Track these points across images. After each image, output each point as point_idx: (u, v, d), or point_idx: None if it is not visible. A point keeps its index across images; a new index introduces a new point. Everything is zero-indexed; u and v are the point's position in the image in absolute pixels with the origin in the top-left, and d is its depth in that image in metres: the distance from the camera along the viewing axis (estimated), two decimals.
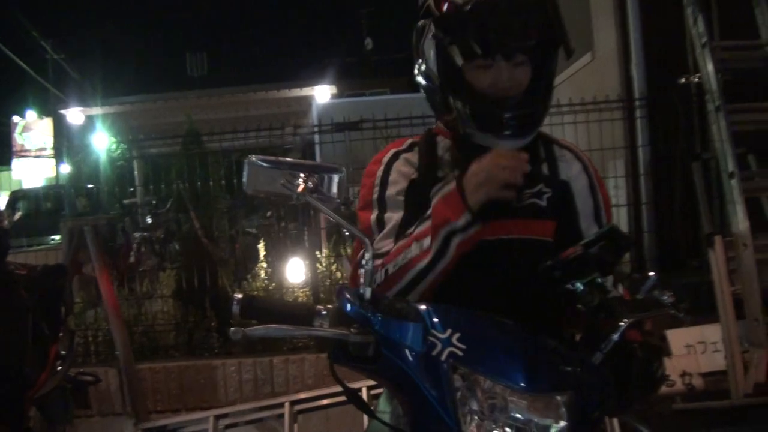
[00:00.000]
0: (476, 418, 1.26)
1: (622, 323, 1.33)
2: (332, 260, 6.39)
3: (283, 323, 1.35)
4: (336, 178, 1.48)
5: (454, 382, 1.27)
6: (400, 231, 1.63)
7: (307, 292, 5.87)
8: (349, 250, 6.43)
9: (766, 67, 4.44)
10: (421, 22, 1.71)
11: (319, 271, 6.01)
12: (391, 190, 1.71)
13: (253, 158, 1.44)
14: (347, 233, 6.32)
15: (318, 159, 6.72)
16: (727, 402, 3.93)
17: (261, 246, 6.99)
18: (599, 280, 1.41)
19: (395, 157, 1.78)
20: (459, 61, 1.64)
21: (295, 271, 6.28)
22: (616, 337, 1.33)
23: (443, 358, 1.27)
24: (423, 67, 1.73)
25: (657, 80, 5.94)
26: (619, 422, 3.52)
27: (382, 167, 1.76)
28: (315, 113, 9.13)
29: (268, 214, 9.50)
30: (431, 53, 1.68)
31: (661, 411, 3.96)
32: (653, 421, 3.68)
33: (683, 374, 4.24)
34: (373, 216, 1.70)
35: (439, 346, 1.28)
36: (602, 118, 5.55)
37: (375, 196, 1.73)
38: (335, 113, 7.80)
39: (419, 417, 1.31)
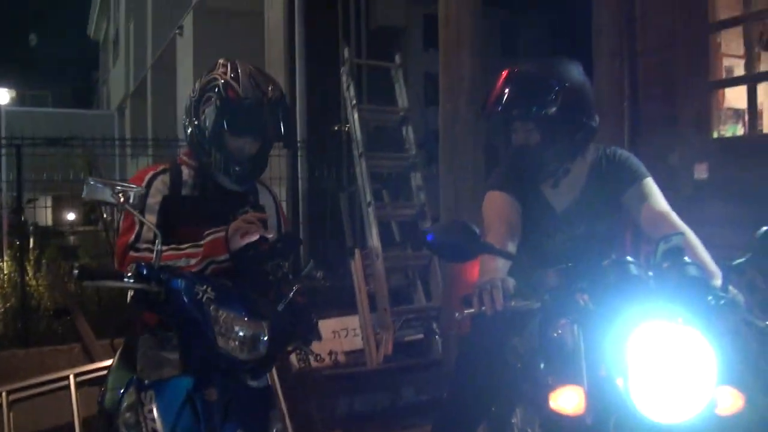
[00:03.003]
0: (221, 333, 2.03)
1: (294, 288, 2.19)
2: (14, 268, 6.05)
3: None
4: (138, 193, 2.14)
5: (210, 313, 2.03)
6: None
7: None
8: (31, 256, 6.34)
9: (399, 127, 5.67)
10: (208, 94, 2.37)
11: None
12: (150, 200, 2.34)
13: (91, 180, 2.08)
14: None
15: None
16: (364, 368, 4.97)
17: None
18: (282, 263, 2.25)
19: (154, 177, 2.40)
20: (228, 131, 2.36)
21: None
22: (291, 295, 2.18)
23: (204, 300, 2.03)
24: (196, 122, 2.41)
25: (316, 127, 7.03)
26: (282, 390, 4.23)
27: (145, 182, 2.37)
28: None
29: None
30: (211, 116, 2.36)
31: (314, 378, 4.78)
32: (309, 384, 4.53)
33: (330, 353, 5.18)
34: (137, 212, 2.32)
35: (201, 293, 2.04)
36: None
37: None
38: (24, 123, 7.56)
39: (193, 336, 2.07)
